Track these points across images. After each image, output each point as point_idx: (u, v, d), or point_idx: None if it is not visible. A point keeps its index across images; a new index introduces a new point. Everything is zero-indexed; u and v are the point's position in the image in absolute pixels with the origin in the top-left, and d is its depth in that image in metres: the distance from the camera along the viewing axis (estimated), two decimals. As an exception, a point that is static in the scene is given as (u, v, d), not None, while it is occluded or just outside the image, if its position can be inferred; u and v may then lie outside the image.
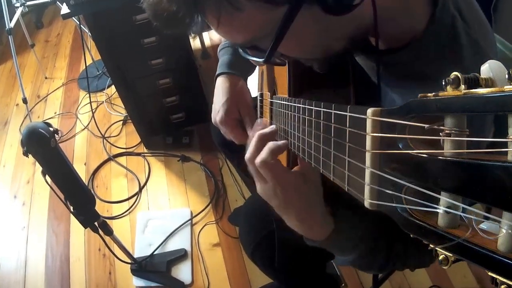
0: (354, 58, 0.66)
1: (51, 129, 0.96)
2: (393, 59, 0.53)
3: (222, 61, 0.88)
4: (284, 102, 0.59)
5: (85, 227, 1.15)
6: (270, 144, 0.53)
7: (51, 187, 1.05)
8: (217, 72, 0.87)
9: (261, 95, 0.99)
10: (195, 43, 2.49)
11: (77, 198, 1.09)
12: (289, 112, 0.54)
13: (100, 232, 1.19)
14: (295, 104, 0.50)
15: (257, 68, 1.08)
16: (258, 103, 1.01)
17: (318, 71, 0.57)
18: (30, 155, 0.95)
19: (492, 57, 0.49)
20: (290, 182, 0.53)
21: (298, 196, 0.53)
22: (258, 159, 0.53)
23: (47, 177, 1.02)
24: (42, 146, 0.94)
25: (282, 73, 0.71)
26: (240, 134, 0.83)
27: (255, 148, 0.55)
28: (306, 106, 0.43)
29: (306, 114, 0.43)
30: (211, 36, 2.58)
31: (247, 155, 0.56)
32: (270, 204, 0.56)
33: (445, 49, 0.49)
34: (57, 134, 0.99)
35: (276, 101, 0.70)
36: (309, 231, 0.58)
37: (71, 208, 1.08)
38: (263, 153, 0.52)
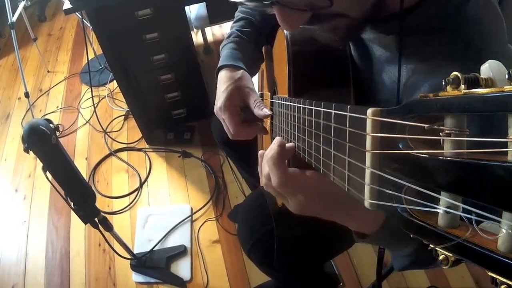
0: (354, 58, 0.66)
1: (51, 125, 0.96)
2: (414, 20, 0.53)
3: (223, 55, 0.87)
4: (284, 102, 0.59)
5: (85, 223, 1.16)
6: (270, 160, 0.50)
7: (51, 183, 1.06)
8: (217, 67, 0.86)
9: (261, 95, 0.99)
10: (197, 38, 2.48)
11: (77, 194, 1.09)
12: (289, 112, 0.54)
13: (100, 227, 1.20)
14: (295, 104, 0.50)
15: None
16: None
17: (337, 41, 0.59)
18: (31, 152, 0.95)
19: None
20: (317, 184, 0.48)
21: (333, 192, 0.49)
22: (274, 181, 0.49)
23: (47, 173, 1.02)
24: (43, 143, 0.94)
25: (282, 73, 0.71)
26: (239, 124, 0.80)
27: (266, 176, 0.52)
28: (306, 106, 0.43)
29: (306, 114, 0.43)
30: (214, 31, 2.58)
31: (264, 181, 0.53)
32: (311, 215, 0.52)
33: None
34: (58, 130, 0.99)
35: (276, 101, 0.70)
36: (360, 223, 0.53)
37: (72, 204, 1.09)
38: (273, 173, 0.49)
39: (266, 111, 0.75)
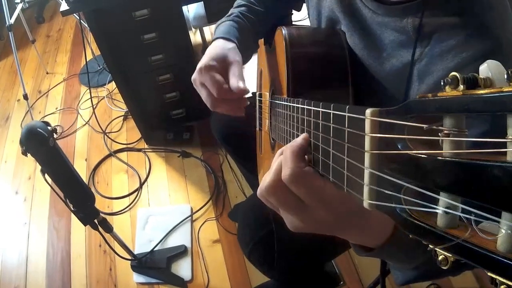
0: (359, 49, 0.65)
1: (49, 128, 0.96)
2: (431, 3, 0.54)
3: (219, 30, 0.82)
4: (283, 102, 0.59)
5: (85, 225, 1.16)
6: (289, 147, 0.41)
7: (50, 186, 1.06)
8: (212, 39, 0.80)
9: (260, 95, 0.98)
10: (195, 37, 2.48)
11: (76, 196, 1.09)
12: (288, 112, 0.54)
13: (100, 229, 1.20)
14: (294, 104, 0.49)
15: (256, 68, 1.07)
16: (257, 103, 1.00)
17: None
18: (29, 155, 0.95)
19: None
20: (332, 191, 0.39)
21: (348, 202, 0.40)
22: (286, 173, 0.39)
23: (46, 175, 1.02)
24: (41, 145, 0.94)
25: (281, 73, 0.71)
26: (222, 83, 0.70)
27: (276, 172, 0.41)
28: (305, 106, 0.43)
29: (305, 114, 0.43)
30: (212, 31, 2.57)
31: (265, 184, 0.42)
32: (318, 233, 0.43)
33: None
34: (56, 133, 0.99)
35: (275, 101, 0.70)
36: (367, 236, 0.46)
37: (71, 206, 1.09)
38: (287, 164, 0.40)
39: (241, 85, 0.68)
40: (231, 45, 0.77)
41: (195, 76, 0.74)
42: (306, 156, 0.42)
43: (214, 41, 0.79)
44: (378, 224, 0.44)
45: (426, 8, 0.55)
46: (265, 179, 0.42)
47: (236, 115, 0.75)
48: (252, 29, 0.87)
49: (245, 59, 0.94)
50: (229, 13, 0.87)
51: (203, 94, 0.74)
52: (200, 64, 0.73)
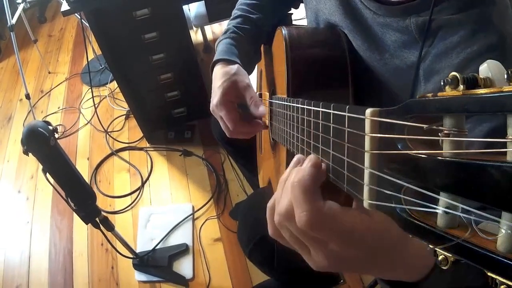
0: (360, 51, 0.65)
1: (50, 127, 0.96)
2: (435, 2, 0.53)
3: (218, 50, 0.84)
4: (283, 103, 0.59)
5: (87, 223, 1.16)
6: (299, 184, 0.34)
7: (52, 185, 1.06)
8: (212, 61, 0.83)
9: (260, 95, 0.98)
10: (196, 36, 2.48)
11: (78, 195, 1.09)
12: (288, 112, 0.54)
13: (102, 227, 1.20)
14: (293, 104, 0.49)
15: (256, 68, 1.07)
16: None
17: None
18: (30, 154, 0.95)
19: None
20: (362, 228, 0.32)
21: (381, 239, 0.33)
22: (301, 219, 0.33)
23: (48, 174, 1.03)
24: (42, 145, 0.94)
25: (281, 73, 0.71)
26: (237, 120, 0.75)
27: (286, 213, 0.35)
28: (305, 106, 0.43)
29: (305, 115, 0.43)
30: (213, 30, 2.57)
31: (279, 219, 0.36)
32: (347, 272, 0.38)
33: None
34: (57, 132, 0.99)
35: (275, 101, 0.70)
36: (402, 274, 0.38)
37: (72, 205, 1.09)
38: (301, 207, 0.33)
39: (263, 110, 0.72)
40: (234, 67, 0.79)
41: (212, 109, 0.79)
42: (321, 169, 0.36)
43: (216, 65, 0.81)
44: (415, 259, 0.37)
45: (429, 7, 0.54)
46: (275, 217, 0.36)
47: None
48: (251, 39, 0.88)
49: (252, 67, 0.95)
50: (226, 29, 0.89)
51: (222, 126, 0.79)
52: (214, 101, 0.77)
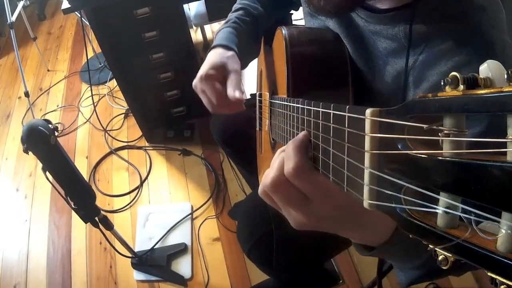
0: (354, 58, 0.66)
1: (50, 126, 0.96)
2: (421, 9, 0.54)
3: (218, 37, 0.85)
4: (283, 103, 0.59)
5: (86, 222, 1.16)
6: (292, 143, 0.40)
7: (51, 184, 1.06)
8: (211, 46, 0.83)
9: (260, 95, 0.98)
10: (196, 35, 2.48)
11: (77, 194, 1.09)
12: (288, 113, 0.54)
13: (101, 226, 1.20)
14: (294, 104, 0.49)
15: (255, 68, 1.07)
16: (257, 103, 1.00)
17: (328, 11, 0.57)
18: (30, 152, 0.95)
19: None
20: (336, 186, 0.36)
21: (352, 200, 0.36)
22: (289, 166, 0.38)
23: (47, 173, 1.02)
24: (42, 143, 0.94)
25: (281, 73, 0.71)
26: (221, 93, 0.74)
27: (278, 168, 0.40)
28: (305, 107, 0.43)
29: (305, 115, 0.43)
30: (213, 29, 2.57)
31: (267, 181, 0.41)
32: (321, 230, 0.42)
33: None
34: (57, 131, 0.99)
35: (275, 101, 0.70)
36: (370, 236, 0.44)
37: (72, 203, 1.09)
38: (291, 159, 0.38)
39: (237, 94, 0.72)
40: (230, 53, 0.79)
41: (196, 82, 0.78)
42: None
43: (214, 49, 0.81)
44: (380, 222, 0.43)
45: (416, 15, 0.55)
46: (267, 176, 0.41)
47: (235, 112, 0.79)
48: (251, 31, 0.88)
49: (248, 60, 0.95)
50: (227, 19, 0.89)
51: (204, 100, 0.78)
52: (201, 72, 0.77)
